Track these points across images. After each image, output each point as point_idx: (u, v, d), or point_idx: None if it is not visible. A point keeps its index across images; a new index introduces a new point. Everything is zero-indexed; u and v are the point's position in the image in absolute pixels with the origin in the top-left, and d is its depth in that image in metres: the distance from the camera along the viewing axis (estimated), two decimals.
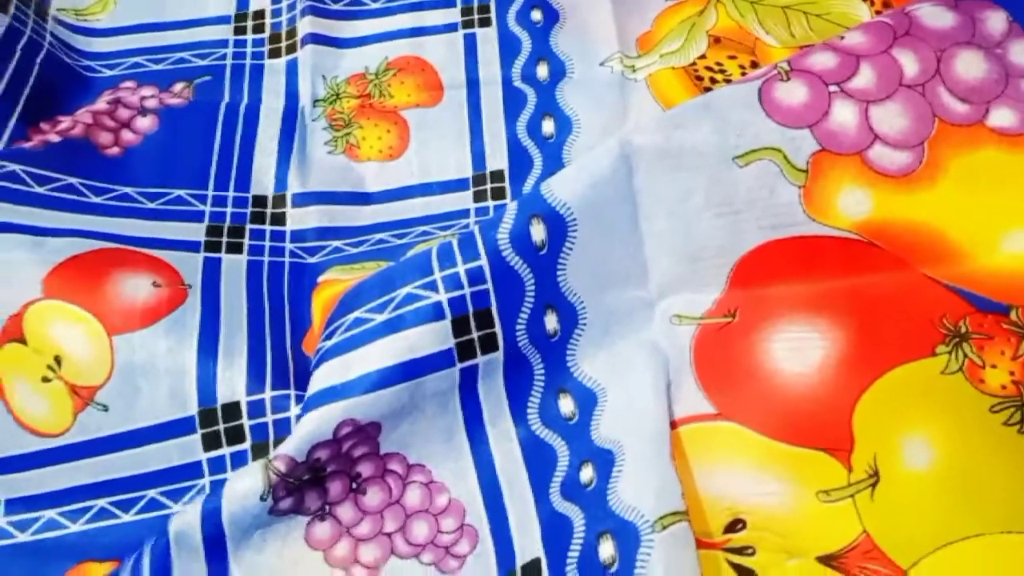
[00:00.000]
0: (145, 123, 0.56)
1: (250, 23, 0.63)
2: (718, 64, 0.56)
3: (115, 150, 0.55)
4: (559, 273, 0.45)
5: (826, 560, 0.38)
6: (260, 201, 0.55)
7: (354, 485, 0.42)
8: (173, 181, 0.54)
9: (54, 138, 0.53)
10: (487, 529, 0.42)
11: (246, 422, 0.46)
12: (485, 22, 0.61)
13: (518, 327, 0.44)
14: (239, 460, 0.45)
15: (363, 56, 0.61)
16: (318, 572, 0.41)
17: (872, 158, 0.46)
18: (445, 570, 0.42)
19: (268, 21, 0.63)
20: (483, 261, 0.44)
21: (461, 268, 0.43)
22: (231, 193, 0.54)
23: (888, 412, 0.41)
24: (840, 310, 0.43)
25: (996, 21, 0.49)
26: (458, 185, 0.56)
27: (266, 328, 0.49)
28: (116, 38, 0.63)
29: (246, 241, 0.53)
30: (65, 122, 0.55)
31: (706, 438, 0.42)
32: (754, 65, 0.55)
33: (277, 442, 0.45)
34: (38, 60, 0.58)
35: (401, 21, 0.62)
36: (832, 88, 0.47)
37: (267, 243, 0.53)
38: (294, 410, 0.46)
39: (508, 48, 0.60)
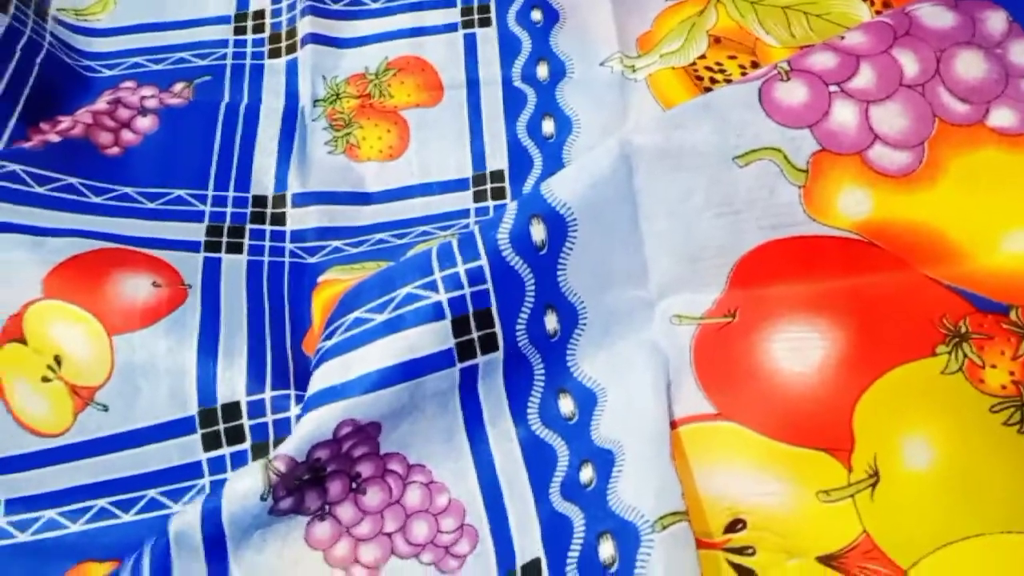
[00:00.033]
0: (145, 123, 0.56)
1: (250, 23, 0.63)
2: (718, 64, 0.56)
3: (115, 150, 0.55)
4: (559, 273, 0.45)
5: (826, 560, 0.38)
6: (260, 201, 0.55)
7: (354, 485, 0.42)
8: (173, 181, 0.54)
9: (54, 138, 0.53)
10: (487, 529, 0.42)
11: (246, 422, 0.46)
12: (485, 22, 0.61)
13: (518, 327, 0.44)
14: (239, 460, 0.45)
15: (363, 56, 0.61)
16: (318, 572, 0.41)
17: (872, 158, 0.46)
18: (445, 570, 0.42)
19: (268, 21, 0.63)
20: (483, 261, 0.44)
21: (461, 268, 0.43)
22: (231, 193, 0.54)
23: (888, 412, 0.41)
24: (840, 310, 0.43)
25: (996, 21, 0.49)
26: (458, 185, 0.56)
27: (266, 328, 0.49)
28: (116, 38, 0.63)
29: (246, 241, 0.53)
30: (65, 122, 0.55)
31: (706, 438, 0.42)
32: (754, 65, 0.55)
33: (277, 442, 0.45)
34: (38, 60, 0.58)
35: (401, 21, 0.62)
36: (832, 88, 0.47)
37: (267, 243, 0.53)
38: (294, 410, 0.46)
39: (508, 48, 0.60)
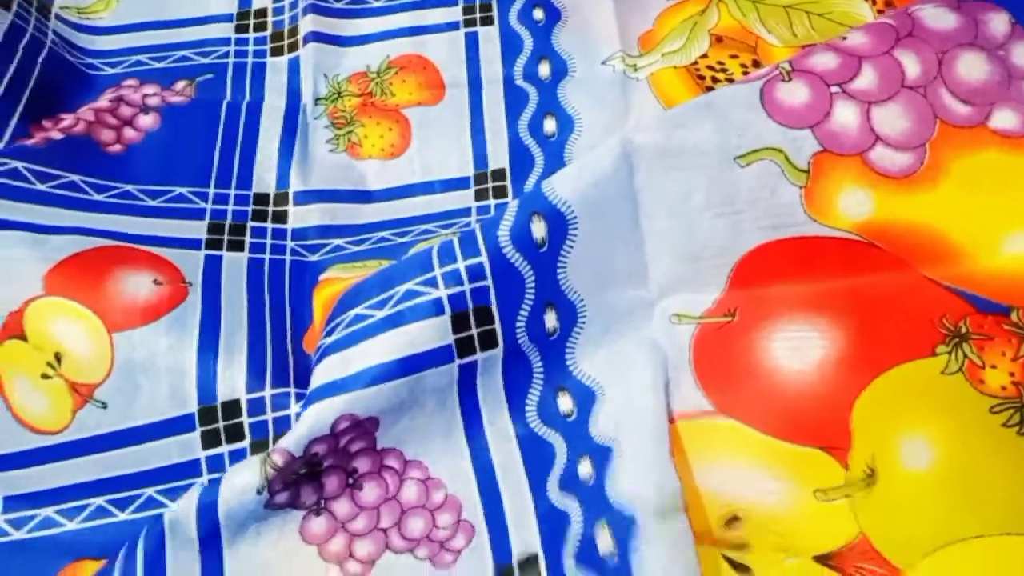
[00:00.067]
0: (147, 121, 0.56)
1: (252, 21, 0.63)
2: (720, 63, 0.56)
3: (117, 147, 0.55)
4: (559, 271, 0.45)
5: (823, 559, 0.38)
6: (262, 199, 0.55)
7: (350, 480, 0.42)
8: (175, 179, 0.54)
9: (56, 135, 0.54)
10: (483, 524, 0.42)
11: (246, 420, 0.46)
12: (487, 20, 0.61)
13: (518, 324, 0.44)
14: (238, 458, 0.45)
15: (365, 54, 0.61)
16: (312, 566, 0.41)
17: (873, 159, 0.46)
18: (439, 564, 0.42)
19: (270, 19, 0.63)
20: (484, 258, 0.44)
21: (461, 265, 0.43)
22: (232, 191, 0.54)
23: (887, 412, 0.40)
24: (840, 310, 0.43)
25: (999, 23, 0.49)
26: (459, 184, 0.56)
27: (267, 326, 0.49)
28: (118, 36, 0.63)
29: (247, 239, 0.53)
30: (67, 120, 0.55)
31: (704, 435, 0.42)
32: (756, 64, 0.55)
33: (276, 440, 0.45)
34: (40, 58, 0.58)
35: (403, 19, 0.62)
36: (834, 89, 0.47)
37: (268, 241, 0.53)
38: (294, 408, 0.46)
39: (510, 47, 0.60)
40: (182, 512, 0.40)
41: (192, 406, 0.46)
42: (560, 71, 0.58)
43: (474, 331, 0.43)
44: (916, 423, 0.40)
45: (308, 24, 0.61)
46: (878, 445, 0.40)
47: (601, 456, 0.41)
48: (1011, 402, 0.40)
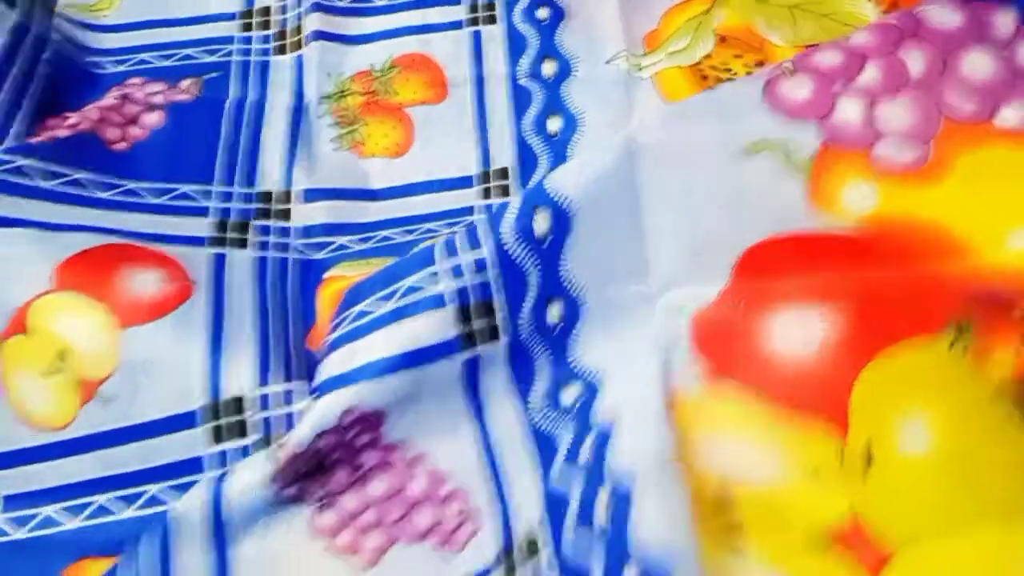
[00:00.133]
0: (152, 119, 0.56)
1: (256, 19, 0.63)
2: (724, 64, 0.56)
3: (122, 145, 0.55)
4: (561, 266, 0.45)
5: (815, 538, 0.38)
6: (266, 197, 0.55)
7: (358, 474, 0.42)
8: (180, 177, 0.54)
9: (62, 133, 0.54)
10: (489, 513, 0.43)
11: (250, 417, 0.46)
12: (490, 20, 0.61)
13: (520, 318, 0.44)
14: (242, 455, 0.45)
15: (369, 53, 0.61)
16: (321, 560, 0.41)
17: (877, 154, 0.45)
18: (447, 555, 0.42)
19: (274, 18, 0.63)
20: (487, 253, 0.44)
21: (465, 259, 0.44)
22: (237, 189, 0.54)
23: (887, 395, 0.40)
24: (843, 300, 0.43)
25: (1005, 23, 0.49)
26: (463, 182, 0.56)
27: (271, 323, 0.49)
28: (123, 34, 0.63)
29: (252, 237, 0.53)
30: (73, 118, 0.55)
31: (700, 413, 0.41)
32: (760, 64, 0.55)
33: (281, 436, 0.45)
34: (45, 56, 0.58)
35: (406, 18, 0.62)
36: (837, 85, 0.47)
37: (272, 239, 0.53)
38: (298, 405, 0.46)
39: (514, 46, 0.60)
40: (188, 509, 0.40)
41: (196, 403, 0.46)
42: (564, 70, 0.58)
43: (477, 325, 0.43)
44: (916, 407, 0.40)
45: (313, 22, 0.61)
46: (876, 428, 0.39)
47: (602, 440, 0.41)
48: (1013, 393, 0.40)
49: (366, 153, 0.57)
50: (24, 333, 0.46)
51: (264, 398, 0.46)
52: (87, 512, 0.44)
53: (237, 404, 0.46)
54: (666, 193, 0.45)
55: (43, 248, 0.48)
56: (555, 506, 0.41)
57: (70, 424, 0.46)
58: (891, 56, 0.48)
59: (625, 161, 0.45)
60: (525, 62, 0.59)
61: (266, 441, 0.45)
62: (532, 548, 0.41)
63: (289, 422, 0.46)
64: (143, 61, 0.61)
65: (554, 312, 0.45)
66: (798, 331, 0.42)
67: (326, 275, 0.52)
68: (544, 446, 0.43)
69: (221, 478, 0.41)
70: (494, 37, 0.61)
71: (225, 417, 0.46)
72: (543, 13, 0.61)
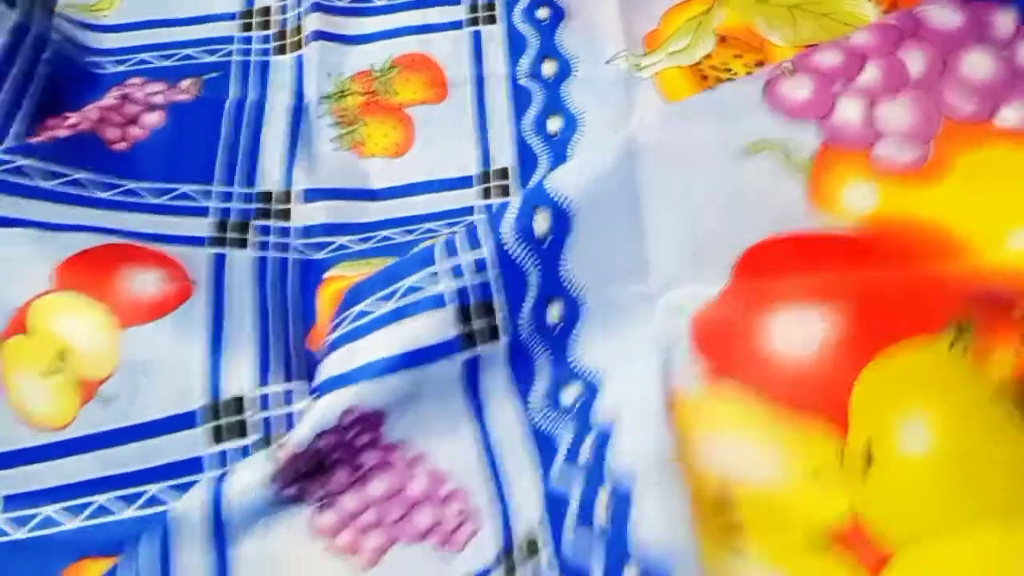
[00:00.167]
0: (152, 119, 0.56)
1: (256, 19, 0.63)
2: (724, 64, 0.56)
3: (122, 145, 0.55)
4: (561, 266, 0.45)
5: (815, 538, 0.38)
6: (266, 197, 0.55)
7: (358, 474, 0.42)
8: (179, 177, 0.54)
9: (62, 133, 0.54)
10: (490, 513, 0.43)
11: (250, 417, 0.46)
12: (490, 20, 0.61)
13: (520, 318, 0.44)
14: (242, 455, 0.45)
15: (369, 53, 0.61)
16: (321, 560, 0.41)
17: (877, 154, 0.45)
18: (447, 555, 0.42)
19: (274, 18, 0.63)
20: (487, 253, 0.44)
21: (465, 259, 0.44)
22: (237, 189, 0.54)
23: (887, 395, 0.40)
24: (844, 300, 0.43)
25: (1005, 23, 0.49)
26: (463, 182, 0.56)
27: (271, 323, 0.49)
28: (123, 34, 0.63)
29: (252, 237, 0.53)
30: (73, 118, 0.55)
31: (700, 413, 0.41)
32: (760, 64, 0.55)
33: (281, 436, 0.45)
34: (45, 56, 0.58)
35: (406, 18, 0.62)
36: (837, 85, 0.47)
37: (272, 239, 0.53)
38: (298, 405, 0.46)
39: (514, 46, 0.60)
40: (188, 509, 0.40)
41: (196, 403, 0.46)
42: (564, 70, 0.58)
43: (477, 325, 0.43)
44: (916, 407, 0.40)
45: (313, 22, 0.61)
46: (876, 428, 0.39)
47: (602, 440, 0.41)
48: (1013, 392, 0.40)
49: (366, 153, 0.57)
50: (24, 333, 0.46)
51: (264, 398, 0.46)
52: (87, 512, 0.44)
53: (237, 404, 0.46)
54: (666, 193, 0.45)
55: (43, 248, 0.48)
56: (555, 506, 0.41)
57: (70, 424, 0.46)
58: (891, 56, 0.48)
59: (625, 161, 0.45)
60: (525, 62, 0.59)
61: (266, 441, 0.45)
62: (532, 548, 0.41)
63: (289, 422, 0.46)
64: (143, 61, 0.61)
65: (554, 312, 0.45)
66: (798, 331, 0.42)
67: (326, 275, 0.52)
68: (544, 446, 0.43)
69: (221, 478, 0.41)
70: (494, 37, 0.61)
71: (225, 417, 0.46)
72: (543, 13, 0.61)
